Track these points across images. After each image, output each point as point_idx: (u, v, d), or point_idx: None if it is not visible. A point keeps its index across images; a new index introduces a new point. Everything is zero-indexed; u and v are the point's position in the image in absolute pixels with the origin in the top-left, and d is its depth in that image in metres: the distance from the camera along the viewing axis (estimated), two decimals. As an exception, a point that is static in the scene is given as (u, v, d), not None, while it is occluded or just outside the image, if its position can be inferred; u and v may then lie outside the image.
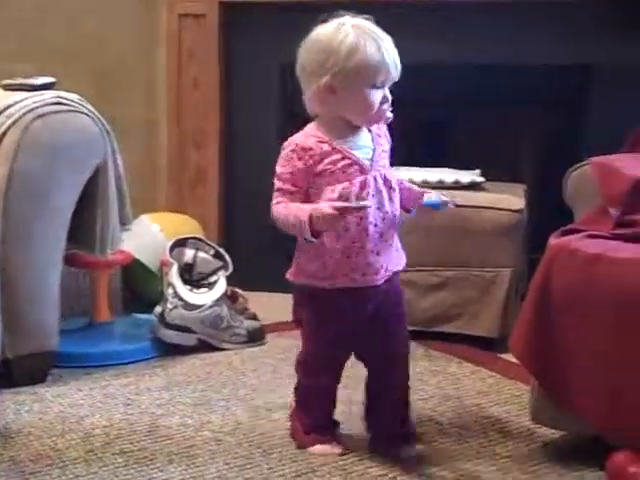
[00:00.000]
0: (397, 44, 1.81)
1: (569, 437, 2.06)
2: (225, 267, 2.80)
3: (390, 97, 1.82)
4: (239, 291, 2.90)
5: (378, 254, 1.85)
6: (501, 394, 2.35)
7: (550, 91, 3.25)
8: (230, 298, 2.81)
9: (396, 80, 1.82)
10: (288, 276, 1.94)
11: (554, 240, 2.01)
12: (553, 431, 2.06)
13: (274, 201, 1.83)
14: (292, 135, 1.87)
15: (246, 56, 3.47)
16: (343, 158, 1.82)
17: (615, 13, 3.03)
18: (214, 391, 2.35)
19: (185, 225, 3.20)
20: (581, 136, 3.14)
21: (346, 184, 1.80)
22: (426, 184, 2.84)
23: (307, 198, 1.82)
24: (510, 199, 2.75)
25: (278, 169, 1.84)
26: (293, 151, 1.82)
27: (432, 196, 1.92)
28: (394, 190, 1.88)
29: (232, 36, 3.47)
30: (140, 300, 3.00)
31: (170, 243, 2.79)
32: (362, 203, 1.78)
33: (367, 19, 1.81)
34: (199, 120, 3.49)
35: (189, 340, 2.66)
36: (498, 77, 3.24)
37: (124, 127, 3.00)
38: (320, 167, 1.81)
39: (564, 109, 3.24)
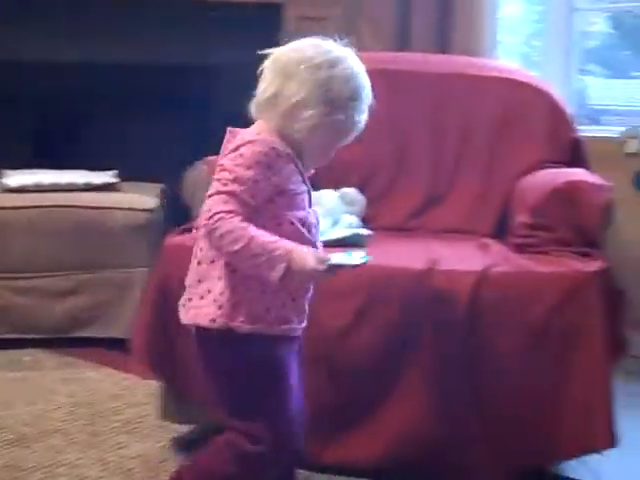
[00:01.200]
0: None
1: (197, 429, 2.11)
2: None
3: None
4: None
5: (308, 296, 1.56)
6: (135, 395, 2.35)
7: (181, 90, 3.31)
8: None
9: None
10: (222, 320, 1.43)
11: (170, 240, 2.05)
12: (182, 426, 2.11)
13: (223, 207, 1.39)
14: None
15: None
16: (303, 183, 1.51)
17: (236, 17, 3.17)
18: None
19: None
20: (213, 135, 3.23)
21: (304, 213, 1.49)
22: (56, 186, 2.77)
23: (254, 217, 1.42)
24: (142, 199, 2.77)
25: (237, 169, 1.40)
26: (266, 154, 1.42)
27: None
28: None
29: None
30: None
31: None
32: (361, 260, 1.45)
33: None
34: None
35: None
36: (131, 77, 3.23)
37: None
38: (289, 186, 1.46)
39: (196, 108, 3.32)
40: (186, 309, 1.50)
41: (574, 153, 2.40)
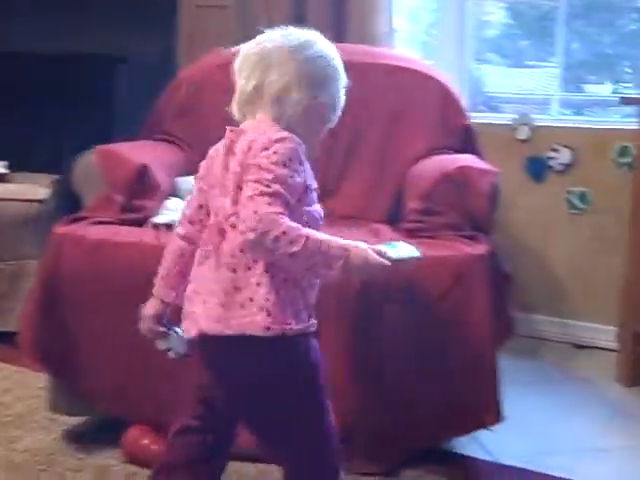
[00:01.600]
0: None
1: (88, 421, 2.08)
2: None
3: None
4: None
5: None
6: (26, 389, 2.30)
7: (81, 80, 3.24)
8: None
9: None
10: (276, 327, 1.37)
11: (59, 229, 2.01)
12: (73, 418, 2.07)
13: (269, 209, 1.32)
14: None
15: None
16: (314, 177, 1.48)
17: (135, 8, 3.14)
18: None
19: None
20: (112, 125, 3.18)
21: (320, 208, 1.46)
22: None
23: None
24: (33, 189, 2.70)
25: (274, 167, 1.35)
26: (297, 150, 1.39)
27: None
28: None
29: None
30: None
31: None
32: (417, 253, 1.45)
33: None
34: None
35: None
36: (26, 66, 3.15)
37: None
38: (310, 181, 1.43)
39: (87, 99, 3.26)
40: (218, 319, 1.39)
41: (465, 140, 2.44)
